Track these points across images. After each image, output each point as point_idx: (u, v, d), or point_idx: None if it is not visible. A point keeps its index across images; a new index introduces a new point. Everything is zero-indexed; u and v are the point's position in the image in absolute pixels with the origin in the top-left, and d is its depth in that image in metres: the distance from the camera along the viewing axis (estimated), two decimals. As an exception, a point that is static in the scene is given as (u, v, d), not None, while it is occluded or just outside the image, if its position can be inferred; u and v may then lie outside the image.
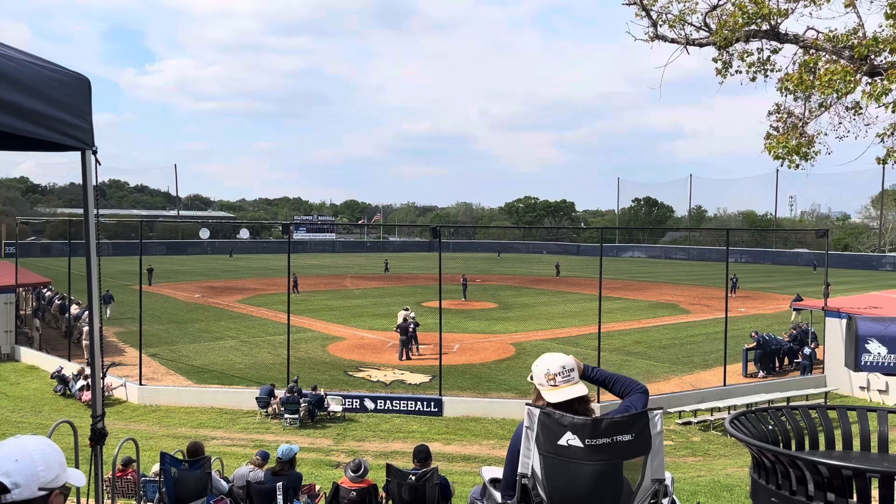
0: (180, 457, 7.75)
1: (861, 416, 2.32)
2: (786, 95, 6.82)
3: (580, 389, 2.88)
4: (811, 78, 6.07)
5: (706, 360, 24.64)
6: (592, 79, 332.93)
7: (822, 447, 2.21)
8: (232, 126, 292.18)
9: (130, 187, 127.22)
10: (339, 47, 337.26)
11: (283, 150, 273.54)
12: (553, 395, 2.88)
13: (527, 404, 2.75)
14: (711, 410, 18.60)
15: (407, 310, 26.44)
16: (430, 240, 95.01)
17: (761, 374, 22.92)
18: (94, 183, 3.42)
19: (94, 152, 3.36)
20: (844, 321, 21.86)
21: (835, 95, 6.02)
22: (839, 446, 2.19)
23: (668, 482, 2.82)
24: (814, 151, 6.61)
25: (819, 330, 24.05)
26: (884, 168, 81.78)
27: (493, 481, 3.28)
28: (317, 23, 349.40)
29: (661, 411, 2.68)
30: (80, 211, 3.69)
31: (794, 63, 6.78)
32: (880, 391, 20.63)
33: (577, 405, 2.86)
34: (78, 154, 3.45)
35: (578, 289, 47.16)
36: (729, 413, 18.32)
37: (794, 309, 25.82)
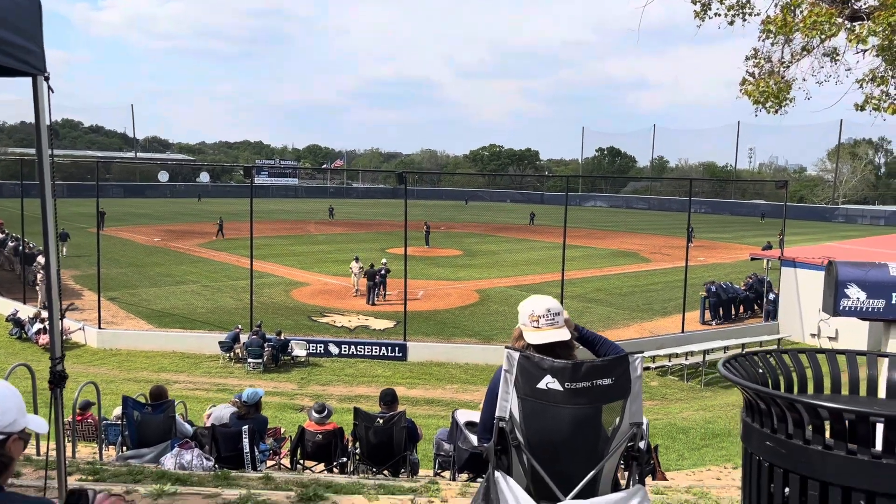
0: (143, 400, 7.64)
1: (850, 360, 2.32)
2: (765, 40, 6.73)
3: (563, 334, 2.82)
4: (795, 20, 5.99)
5: (665, 307, 25.14)
6: (559, 27, 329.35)
7: (810, 391, 2.21)
8: (191, 66, 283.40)
9: (85, 127, 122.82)
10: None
11: (244, 92, 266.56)
12: (534, 337, 2.83)
13: (506, 347, 2.69)
14: (669, 356, 19.06)
15: (357, 260, 26.31)
16: (395, 186, 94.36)
17: (717, 321, 23.49)
18: (47, 111, 3.19)
19: (47, 78, 3.12)
20: (797, 270, 22.44)
21: (818, 39, 5.97)
22: (827, 390, 2.20)
23: (644, 426, 2.82)
24: (789, 98, 6.59)
25: (774, 279, 24.63)
26: (841, 123, 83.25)
27: (469, 424, 3.25)
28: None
29: (641, 355, 2.65)
30: (33, 151, 3.46)
31: (774, 5, 6.69)
32: (830, 338, 21.33)
33: (560, 349, 2.81)
34: (28, 88, 3.21)
35: (542, 237, 47.46)
36: (686, 358, 18.80)
37: (753, 258, 26.38)
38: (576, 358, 2.77)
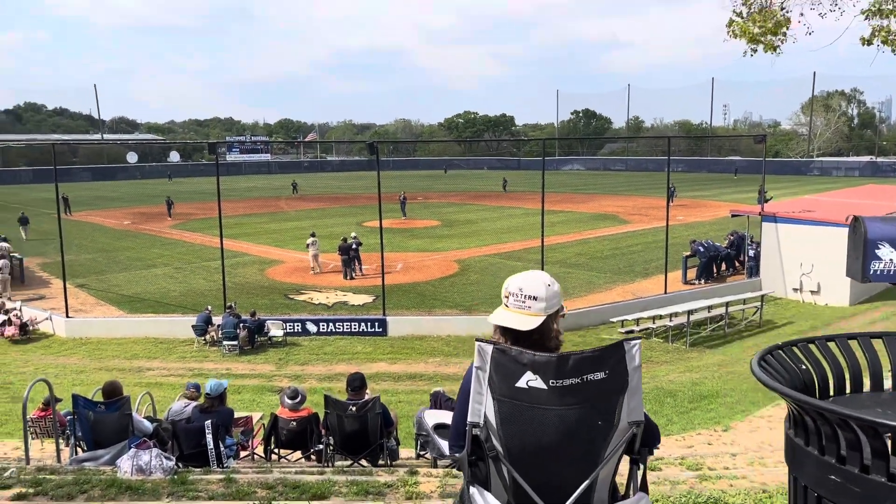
0: (100, 397, 7.12)
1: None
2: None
3: (527, 322, 2.30)
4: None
5: (646, 268, 24.89)
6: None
7: (866, 388, 1.77)
8: (155, 44, 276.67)
9: (49, 111, 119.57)
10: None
11: (213, 68, 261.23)
12: (496, 317, 2.35)
13: (477, 340, 2.21)
14: (653, 318, 18.78)
15: (313, 234, 25.70)
16: (370, 158, 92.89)
17: (701, 280, 23.28)
18: None
19: None
20: (777, 225, 22.20)
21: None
22: (887, 383, 1.76)
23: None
24: (783, 33, 6.07)
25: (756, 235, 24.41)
26: (814, 75, 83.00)
27: (439, 427, 2.77)
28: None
29: (638, 342, 2.20)
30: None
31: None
32: (812, 292, 21.21)
33: (524, 341, 2.30)
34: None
35: (520, 203, 47.01)
36: (671, 320, 18.54)
37: (734, 214, 26.16)
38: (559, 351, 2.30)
